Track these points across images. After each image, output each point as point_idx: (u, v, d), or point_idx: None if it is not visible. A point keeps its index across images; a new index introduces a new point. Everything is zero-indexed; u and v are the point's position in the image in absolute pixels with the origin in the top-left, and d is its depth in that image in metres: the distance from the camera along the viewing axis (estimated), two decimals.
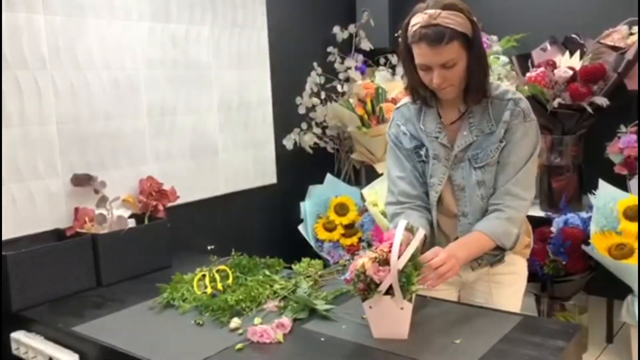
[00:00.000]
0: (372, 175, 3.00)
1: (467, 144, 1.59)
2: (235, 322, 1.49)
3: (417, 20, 1.48)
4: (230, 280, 1.70)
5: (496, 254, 1.63)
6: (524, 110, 1.56)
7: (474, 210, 1.59)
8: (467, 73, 1.51)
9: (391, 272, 1.28)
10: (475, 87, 1.54)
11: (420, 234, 1.42)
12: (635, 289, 2.24)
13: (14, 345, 1.74)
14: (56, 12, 2.10)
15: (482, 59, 1.54)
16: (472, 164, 1.59)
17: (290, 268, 1.82)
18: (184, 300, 1.67)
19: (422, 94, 1.60)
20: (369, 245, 2.46)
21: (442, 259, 1.41)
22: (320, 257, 1.90)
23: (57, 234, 2.08)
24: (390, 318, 1.34)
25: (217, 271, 1.74)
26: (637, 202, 2.19)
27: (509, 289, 1.70)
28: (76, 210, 2.13)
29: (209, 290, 1.67)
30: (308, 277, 1.71)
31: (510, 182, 1.56)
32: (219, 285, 1.69)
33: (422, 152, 1.66)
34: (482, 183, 1.59)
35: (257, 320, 1.48)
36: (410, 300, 1.31)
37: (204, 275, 1.75)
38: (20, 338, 1.72)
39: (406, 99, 1.70)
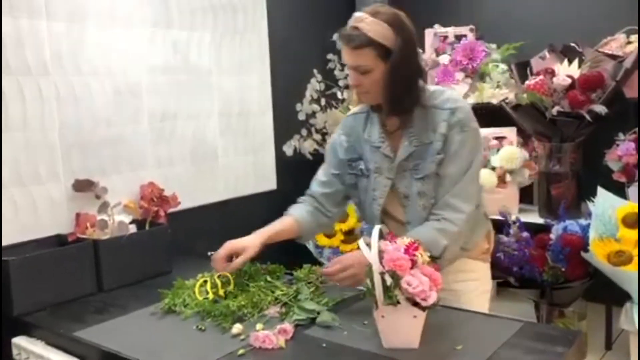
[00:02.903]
0: None
1: (407, 154, 1.60)
2: (237, 327, 1.49)
3: (349, 21, 1.54)
4: (231, 287, 1.70)
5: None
6: (462, 120, 1.55)
7: (416, 219, 1.60)
8: (383, 84, 1.52)
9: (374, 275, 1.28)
10: (389, 99, 1.55)
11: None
12: (635, 296, 2.25)
13: (15, 351, 1.74)
14: (59, 18, 2.11)
15: (403, 73, 1.52)
16: (412, 175, 1.60)
17: (291, 274, 1.82)
18: (185, 305, 1.68)
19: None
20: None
21: (335, 269, 1.53)
22: (320, 264, 1.91)
23: (59, 240, 2.09)
24: (402, 327, 1.33)
25: (219, 277, 1.74)
26: (636, 210, 2.20)
27: (473, 294, 1.70)
28: (77, 215, 2.14)
29: (210, 296, 1.68)
30: (309, 283, 1.72)
31: (450, 193, 1.55)
32: (220, 292, 1.69)
33: (359, 166, 1.69)
34: (423, 194, 1.59)
35: (259, 326, 1.48)
36: (423, 309, 1.32)
37: (205, 281, 1.75)
38: (22, 343, 1.72)
39: (356, 109, 1.74)
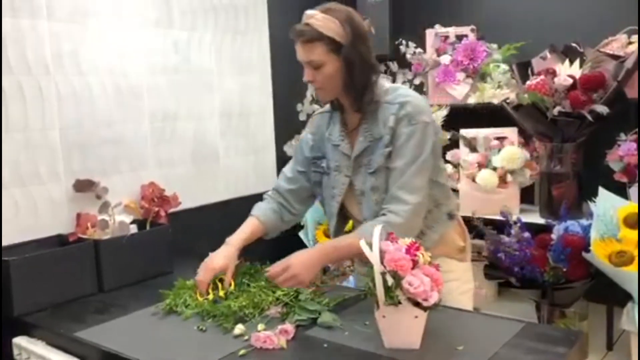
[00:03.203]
0: None
1: (361, 149, 1.63)
2: (239, 328, 1.49)
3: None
4: (232, 287, 1.70)
5: None
6: (410, 113, 1.56)
7: (371, 216, 1.62)
8: (340, 79, 1.56)
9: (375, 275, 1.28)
10: (351, 93, 1.60)
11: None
12: (636, 296, 2.25)
13: (15, 351, 1.74)
14: (60, 18, 2.11)
15: (359, 68, 1.56)
16: (366, 170, 1.63)
17: None
18: (186, 306, 1.67)
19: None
20: None
21: (275, 271, 1.56)
22: None
23: (60, 240, 2.09)
24: (404, 328, 1.33)
25: (219, 279, 1.74)
26: (637, 210, 2.20)
27: (452, 294, 1.69)
28: (78, 215, 2.14)
29: (210, 297, 1.68)
30: (310, 283, 1.71)
31: (396, 186, 1.57)
32: (221, 292, 1.69)
33: (321, 164, 1.73)
34: (376, 189, 1.62)
35: (260, 326, 1.48)
36: (424, 309, 1.32)
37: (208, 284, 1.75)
38: (22, 343, 1.72)
39: (323, 108, 1.78)
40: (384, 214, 1.57)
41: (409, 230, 1.53)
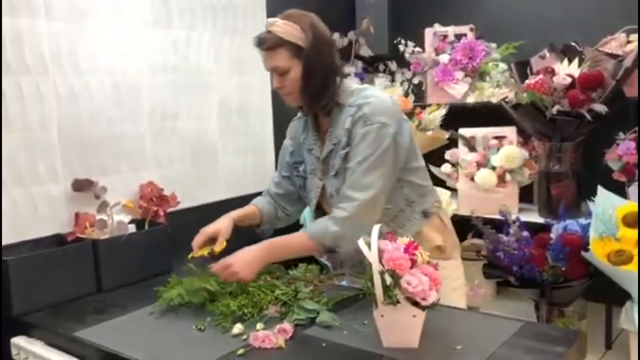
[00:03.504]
0: None
1: (326, 153, 1.67)
2: (238, 328, 1.48)
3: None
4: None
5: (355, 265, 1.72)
6: (365, 114, 1.57)
7: None
8: (301, 82, 1.59)
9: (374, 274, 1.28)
10: (307, 96, 1.62)
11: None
12: (635, 295, 2.25)
13: (14, 351, 1.74)
14: (58, 17, 2.11)
15: (318, 71, 1.58)
16: (331, 173, 1.66)
17: (288, 273, 1.82)
18: (182, 298, 1.68)
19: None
20: None
21: (217, 269, 1.60)
22: (318, 263, 1.91)
23: (58, 239, 2.08)
24: (402, 327, 1.33)
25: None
26: (636, 209, 2.20)
27: (441, 292, 1.69)
28: (77, 215, 2.13)
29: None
30: (308, 282, 1.72)
31: (346, 185, 1.60)
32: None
33: (301, 169, 1.78)
34: (339, 191, 1.64)
35: (259, 325, 1.48)
36: (423, 308, 1.31)
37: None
38: (21, 343, 1.72)
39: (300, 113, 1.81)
40: (332, 211, 1.61)
41: (357, 226, 1.51)
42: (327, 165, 1.68)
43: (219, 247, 1.70)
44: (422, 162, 1.74)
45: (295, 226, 2.90)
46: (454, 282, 1.76)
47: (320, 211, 1.77)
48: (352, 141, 1.59)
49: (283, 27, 1.57)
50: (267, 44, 1.57)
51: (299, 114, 1.82)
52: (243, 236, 1.76)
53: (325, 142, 1.68)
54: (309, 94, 1.62)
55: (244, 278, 1.59)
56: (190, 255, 1.73)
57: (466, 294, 1.89)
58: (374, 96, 1.61)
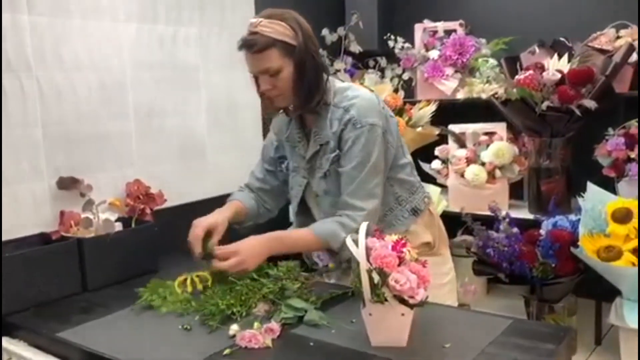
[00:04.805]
0: None
1: (313, 152, 1.64)
2: (233, 329, 1.45)
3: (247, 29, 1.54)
4: (209, 283, 1.69)
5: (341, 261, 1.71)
6: (353, 117, 1.55)
7: (326, 217, 1.63)
8: (293, 82, 1.55)
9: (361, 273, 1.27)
10: (300, 95, 1.57)
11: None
12: (624, 291, 2.25)
13: None
14: (41, 12, 2.07)
15: (310, 68, 1.55)
16: (318, 173, 1.64)
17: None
18: (163, 299, 1.67)
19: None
20: None
21: (225, 252, 1.55)
22: (305, 261, 1.90)
23: (43, 238, 2.05)
24: (390, 325, 1.32)
25: (197, 276, 1.74)
26: (625, 205, 2.20)
27: (431, 289, 1.68)
28: (62, 213, 2.10)
29: (189, 289, 1.68)
30: (296, 280, 1.70)
31: (347, 193, 1.57)
32: (199, 286, 1.69)
33: (284, 165, 1.77)
34: (329, 192, 1.64)
35: (256, 324, 1.44)
36: (411, 307, 1.30)
37: (185, 279, 1.74)
38: (3, 344, 1.69)
39: None
40: (338, 215, 1.59)
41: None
42: (312, 164, 1.67)
43: (214, 245, 1.65)
44: (409, 157, 1.73)
45: (284, 224, 2.89)
46: (444, 277, 1.76)
47: (302, 207, 1.76)
48: (343, 145, 1.57)
49: (271, 26, 1.52)
50: (258, 45, 1.51)
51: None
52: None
53: (310, 141, 1.66)
54: (302, 93, 1.57)
55: (247, 268, 1.56)
56: (199, 251, 1.65)
57: (456, 290, 1.89)
58: (359, 96, 1.59)
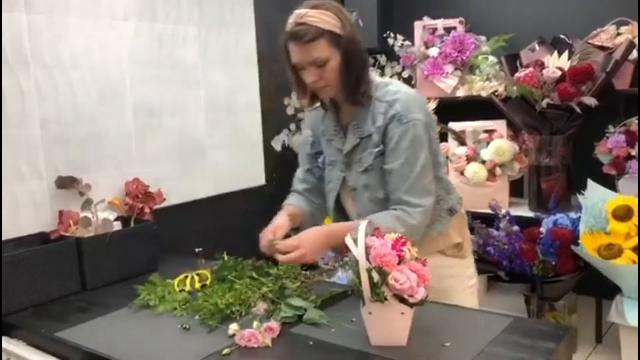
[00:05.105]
0: None
1: (352, 146, 1.61)
2: (232, 328, 1.45)
3: (290, 20, 1.52)
4: (209, 282, 1.69)
5: None
6: (398, 112, 1.53)
7: (366, 213, 1.59)
8: (339, 71, 1.52)
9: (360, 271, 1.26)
10: (348, 86, 1.55)
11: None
12: (625, 288, 2.25)
13: None
14: (39, 10, 2.07)
15: (356, 57, 1.54)
16: (357, 168, 1.61)
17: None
18: (162, 298, 1.67)
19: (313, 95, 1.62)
20: None
21: (287, 245, 1.52)
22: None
23: (42, 238, 2.05)
24: (390, 324, 1.31)
25: (197, 274, 1.74)
26: (625, 202, 2.19)
27: (452, 292, 1.67)
28: (60, 213, 2.10)
29: (187, 288, 1.68)
30: (295, 279, 1.69)
31: (402, 191, 1.54)
32: (197, 285, 1.69)
33: (320, 159, 1.73)
34: (368, 187, 1.60)
35: (255, 324, 1.44)
36: (411, 306, 1.29)
37: (186, 277, 1.74)
38: (3, 344, 1.68)
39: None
40: (395, 209, 1.54)
41: (417, 231, 1.53)
42: (351, 158, 1.63)
43: (280, 237, 1.61)
44: (444, 156, 1.71)
45: None
46: (470, 280, 1.74)
47: (338, 203, 1.72)
48: (388, 141, 1.54)
49: (318, 16, 1.48)
50: (308, 35, 1.47)
51: (316, 104, 1.73)
52: (229, 237, 1.73)
53: (348, 135, 1.62)
54: (349, 84, 1.55)
55: (308, 261, 1.54)
56: (271, 240, 1.60)
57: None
58: (402, 91, 1.57)
